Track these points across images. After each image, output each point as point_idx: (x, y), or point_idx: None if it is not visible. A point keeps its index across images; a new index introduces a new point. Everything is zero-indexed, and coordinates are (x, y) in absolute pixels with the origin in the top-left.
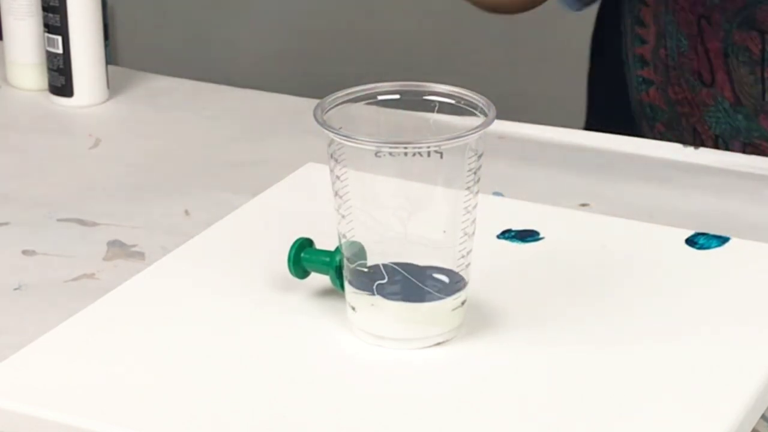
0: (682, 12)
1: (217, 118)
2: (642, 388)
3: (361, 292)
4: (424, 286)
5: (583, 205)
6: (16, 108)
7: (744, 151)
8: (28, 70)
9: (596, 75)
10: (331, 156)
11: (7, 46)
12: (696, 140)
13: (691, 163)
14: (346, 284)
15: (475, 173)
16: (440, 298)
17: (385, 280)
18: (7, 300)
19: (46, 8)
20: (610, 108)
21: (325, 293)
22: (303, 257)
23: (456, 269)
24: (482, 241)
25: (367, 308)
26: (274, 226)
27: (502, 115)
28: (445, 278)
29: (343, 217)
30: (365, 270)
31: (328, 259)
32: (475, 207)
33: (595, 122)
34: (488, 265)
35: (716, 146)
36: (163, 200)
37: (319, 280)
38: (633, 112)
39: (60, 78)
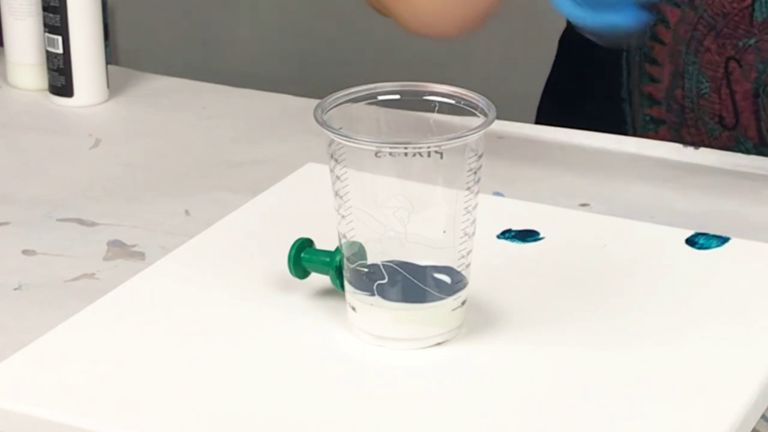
0: (707, 54)
1: (217, 118)
2: (642, 388)
3: (361, 292)
4: (424, 287)
5: (583, 205)
6: (16, 108)
7: None
8: (28, 70)
9: (558, 85)
10: (331, 156)
11: (7, 46)
12: None
13: (691, 163)
14: (346, 284)
15: (475, 173)
16: (440, 299)
17: (385, 281)
18: (7, 300)
19: (46, 8)
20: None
21: (325, 293)
22: (303, 257)
23: (456, 269)
24: (482, 241)
25: (367, 308)
26: (274, 226)
27: (502, 115)
28: (445, 278)
29: (343, 217)
30: (365, 270)
31: (328, 259)
32: (475, 207)
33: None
34: (488, 265)
35: None
36: (163, 200)
37: (319, 280)
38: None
39: (60, 78)
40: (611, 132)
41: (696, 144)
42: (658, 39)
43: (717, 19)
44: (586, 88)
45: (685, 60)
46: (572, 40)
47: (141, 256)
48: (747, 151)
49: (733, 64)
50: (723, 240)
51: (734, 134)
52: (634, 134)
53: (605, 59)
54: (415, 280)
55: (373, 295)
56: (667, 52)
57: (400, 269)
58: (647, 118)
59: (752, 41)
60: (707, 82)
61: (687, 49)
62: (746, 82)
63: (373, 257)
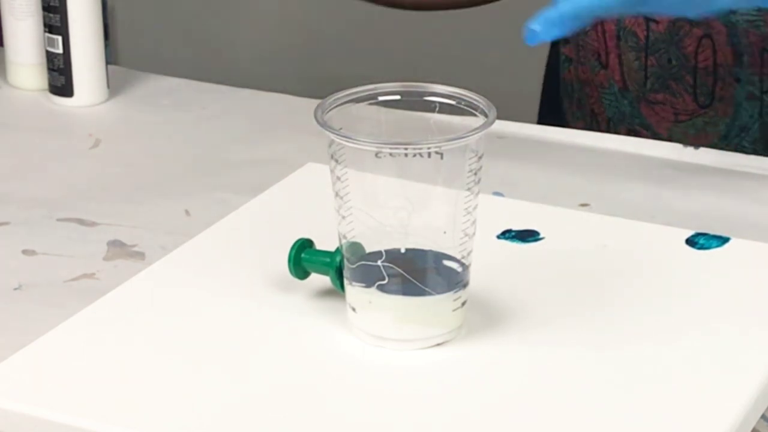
0: None
1: (217, 118)
2: (642, 387)
3: (361, 290)
4: (424, 287)
5: (583, 205)
6: (16, 108)
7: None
8: (28, 70)
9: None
10: (332, 156)
11: (7, 46)
12: (593, 122)
13: (691, 163)
14: (346, 284)
15: (475, 174)
16: (440, 298)
17: (385, 281)
18: (7, 300)
19: (47, 8)
20: (548, 91)
21: (326, 294)
22: (303, 258)
23: (456, 269)
24: (482, 241)
25: (367, 308)
26: (274, 226)
27: (502, 115)
28: (445, 278)
29: (344, 217)
30: (365, 270)
31: (328, 260)
32: (475, 208)
33: (546, 112)
34: (488, 265)
35: (608, 129)
36: (163, 200)
37: (319, 280)
38: (560, 93)
39: (60, 78)
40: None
41: (586, 82)
42: None
43: None
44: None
45: None
46: None
47: (141, 256)
48: (615, 95)
49: None
50: (723, 240)
51: (606, 74)
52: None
53: None
54: (415, 281)
55: (371, 290)
56: None
57: (400, 269)
58: (563, 57)
59: None
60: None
61: None
62: (611, 23)
63: (373, 257)
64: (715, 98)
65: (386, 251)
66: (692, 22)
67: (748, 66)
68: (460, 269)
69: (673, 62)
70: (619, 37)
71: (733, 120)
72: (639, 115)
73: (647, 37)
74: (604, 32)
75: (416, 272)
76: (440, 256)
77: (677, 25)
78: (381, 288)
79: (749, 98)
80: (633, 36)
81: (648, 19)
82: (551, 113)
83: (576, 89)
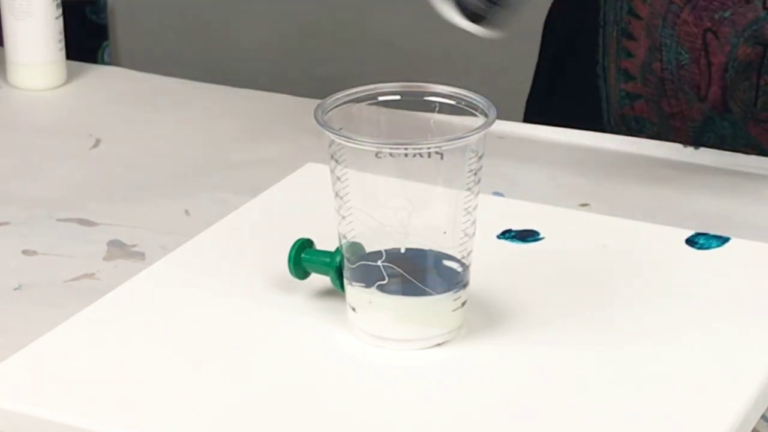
0: (684, 26)
1: (217, 118)
2: (642, 388)
3: (361, 290)
4: (424, 287)
5: (583, 205)
6: (16, 108)
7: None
8: (28, 70)
9: (541, 66)
10: (332, 157)
11: (7, 46)
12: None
13: (691, 163)
14: (346, 285)
15: (475, 174)
16: (440, 298)
17: (385, 281)
18: (7, 300)
19: None
20: (574, 114)
21: (326, 294)
22: (303, 258)
23: (456, 269)
24: (482, 241)
25: (367, 308)
26: (274, 226)
27: (502, 115)
28: (445, 278)
29: (344, 217)
30: (365, 270)
31: (328, 260)
32: (475, 208)
33: (532, 115)
34: (488, 265)
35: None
36: (163, 200)
37: (319, 280)
38: (605, 125)
39: None
40: (588, 109)
41: (674, 115)
42: (635, 13)
43: None
44: (566, 68)
45: (662, 33)
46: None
47: (141, 256)
48: (711, 120)
49: (710, 36)
50: (723, 240)
51: (702, 107)
52: (608, 109)
53: (582, 36)
54: (415, 282)
55: (371, 290)
56: (644, 26)
57: (400, 270)
58: (623, 93)
59: (727, 14)
60: (686, 53)
61: (664, 23)
62: (722, 56)
63: (373, 257)
64: None
65: (386, 251)
66: None
67: None
68: (460, 269)
69: None
70: (726, 69)
71: None
72: (745, 135)
73: (762, 59)
74: (709, 65)
75: (416, 272)
76: (440, 256)
77: None
78: (381, 288)
79: None
80: (747, 64)
81: (765, 46)
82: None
83: (650, 123)
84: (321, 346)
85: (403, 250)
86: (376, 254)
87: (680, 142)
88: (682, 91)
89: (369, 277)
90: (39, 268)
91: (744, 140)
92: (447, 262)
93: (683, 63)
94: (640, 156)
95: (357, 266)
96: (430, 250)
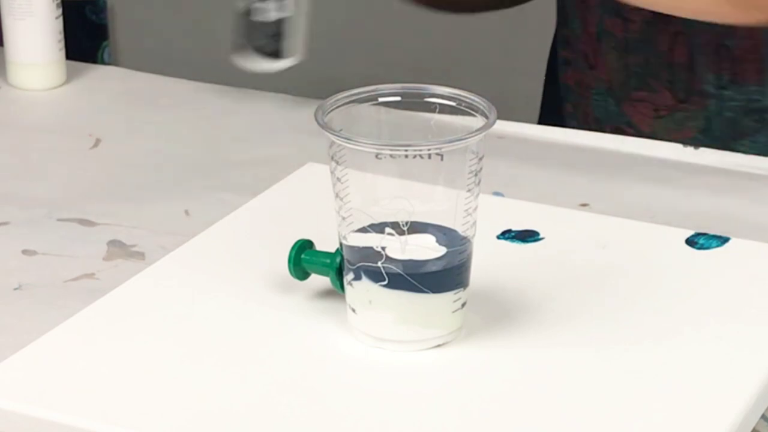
0: None
1: (217, 118)
2: (642, 388)
3: (361, 292)
4: (424, 288)
5: (583, 205)
6: (16, 108)
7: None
8: (28, 70)
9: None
10: (332, 158)
11: (7, 46)
12: (584, 123)
13: (691, 163)
14: (346, 285)
15: (475, 175)
16: (440, 298)
17: (385, 283)
18: (7, 300)
19: None
20: (548, 95)
21: (325, 295)
22: (303, 259)
23: (456, 271)
24: (482, 242)
25: (367, 309)
26: (274, 226)
27: (502, 115)
28: (445, 280)
29: (344, 218)
30: (365, 271)
31: (328, 261)
32: (475, 209)
33: (547, 114)
34: (488, 265)
35: (600, 129)
36: (163, 200)
37: (319, 281)
38: (561, 97)
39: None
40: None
41: (579, 82)
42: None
43: None
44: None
45: (569, 2)
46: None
47: (141, 256)
48: (602, 95)
49: (584, 5)
50: (723, 240)
51: (594, 74)
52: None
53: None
54: (415, 282)
55: (370, 288)
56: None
57: (400, 270)
58: (562, 60)
59: None
60: (579, 21)
61: None
62: (593, 26)
63: (373, 258)
64: (693, 92)
65: (386, 252)
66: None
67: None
68: (460, 270)
69: (651, 60)
70: (599, 39)
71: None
72: (622, 114)
73: (625, 37)
74: (589, 34)
75: (416, 273)
76: (440, 257)
77: (651, 23)
78: (381, 289)
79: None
80: (612, 37)
81: (626, 19)
82: (552, 116)
83: (573, 91)
84: (321, 346)
85: (403, 251)
86: (376, 255)
87: (585, 113)
88: (579, 59)
89: (369, 278)
90: (39, 268)
91: (623, 118)
92: (447, 263)
93: (578, 32)
94: (640, 156)
95: (357, 267)
96: (430, 251)
